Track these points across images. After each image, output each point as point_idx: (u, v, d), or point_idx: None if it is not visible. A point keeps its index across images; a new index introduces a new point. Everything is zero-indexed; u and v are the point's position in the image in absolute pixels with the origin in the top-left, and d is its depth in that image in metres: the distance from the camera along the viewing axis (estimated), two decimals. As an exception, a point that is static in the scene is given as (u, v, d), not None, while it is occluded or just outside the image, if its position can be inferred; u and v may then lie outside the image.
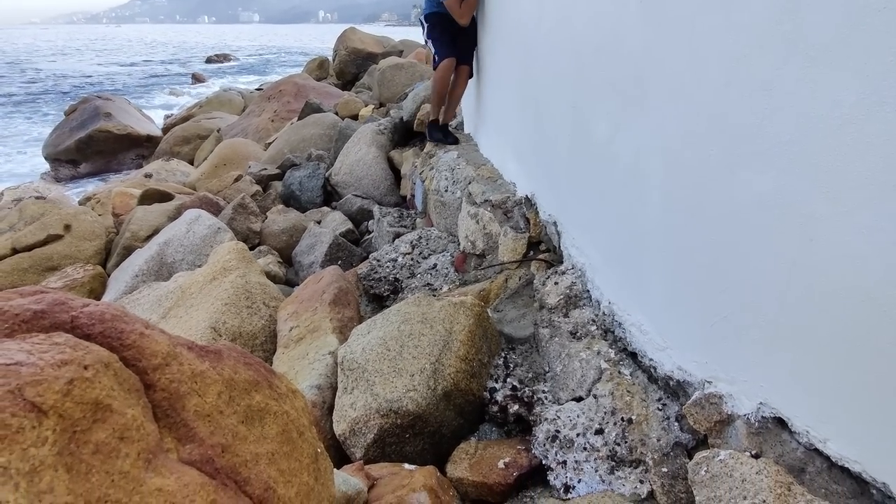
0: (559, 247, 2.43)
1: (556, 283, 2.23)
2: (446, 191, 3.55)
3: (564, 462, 1.69)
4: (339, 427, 1.92)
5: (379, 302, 3.10)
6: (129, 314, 0.93)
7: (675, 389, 1.60)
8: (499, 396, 1.97)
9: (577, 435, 1.71)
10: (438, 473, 1.67)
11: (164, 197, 5.40)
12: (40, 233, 4.69)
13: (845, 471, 1.11)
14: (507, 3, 3.18)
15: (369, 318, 2.44)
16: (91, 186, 9.24)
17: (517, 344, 2.22)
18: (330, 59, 13.51)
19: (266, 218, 4.98)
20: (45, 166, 10.92)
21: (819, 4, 1.04)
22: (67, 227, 4.77)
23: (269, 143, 7.80)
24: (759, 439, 1.27)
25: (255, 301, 2.95)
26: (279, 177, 5.87)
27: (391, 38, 13.42)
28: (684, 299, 1.52)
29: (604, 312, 1.97)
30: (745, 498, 1.20)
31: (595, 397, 1.76)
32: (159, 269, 3.93)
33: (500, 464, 1.77)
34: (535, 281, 2.40)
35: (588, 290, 2.12)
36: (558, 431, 1.75)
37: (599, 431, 1.67)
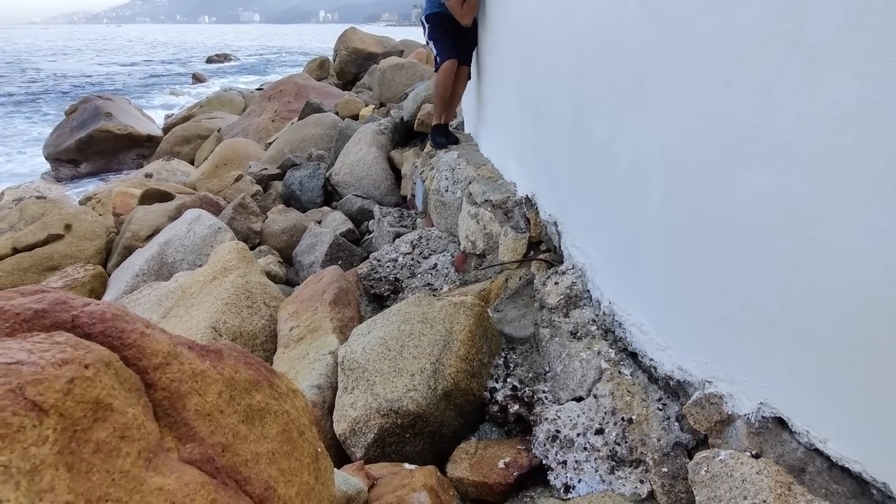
0: (559, 247, 2.43)
1: (556, 283, 2.23)
2: (447, 191, 3.55)
3: (565, 462, 1.69)
4: (340, 427, 1.92)
5: (379, 302, 3.10)
6: (130, 314, 0.93)
7: (675, 389, 1.60)
8: (499, 396, 1.97)
9: (578, 435, 1.71)
10: (439, 473, 1.67)
11: (165, 197, 5.40)
12: (41, 232, 4.70)
13: (845, 471, 1.11)
14: (507, 3, 3.18)
15: (369, 317, 2.44)
16: (91, 186, 9.24)
17: (517, 344, 2.22)
18: (330, 59, 13.52)
19: (266, 218, 4.98)
20: (46, 166, 10.92)
21: (819, 4, 1.04)
22: (68, 227, 4.77)
23: (270, 143, 7.81)
24: (760, 439, 1.27)
25: (256, 301, 2.95)
26: (279, 177, 5.88)
27: (392, 38, 13.44)
28: (684, 299, 1.52)
29: (604, 312, 1.97)
30: (745, 498, 1.20)
31: (595, 397, 1.76)
32: (160, 268, 3.93)
33: (501, 464, 1.77)
34: (535, 281, 2.40)
35: (588, 290, 2.12)
36: (558, 431, 1.75)
37: (600, 431, 1.67)
